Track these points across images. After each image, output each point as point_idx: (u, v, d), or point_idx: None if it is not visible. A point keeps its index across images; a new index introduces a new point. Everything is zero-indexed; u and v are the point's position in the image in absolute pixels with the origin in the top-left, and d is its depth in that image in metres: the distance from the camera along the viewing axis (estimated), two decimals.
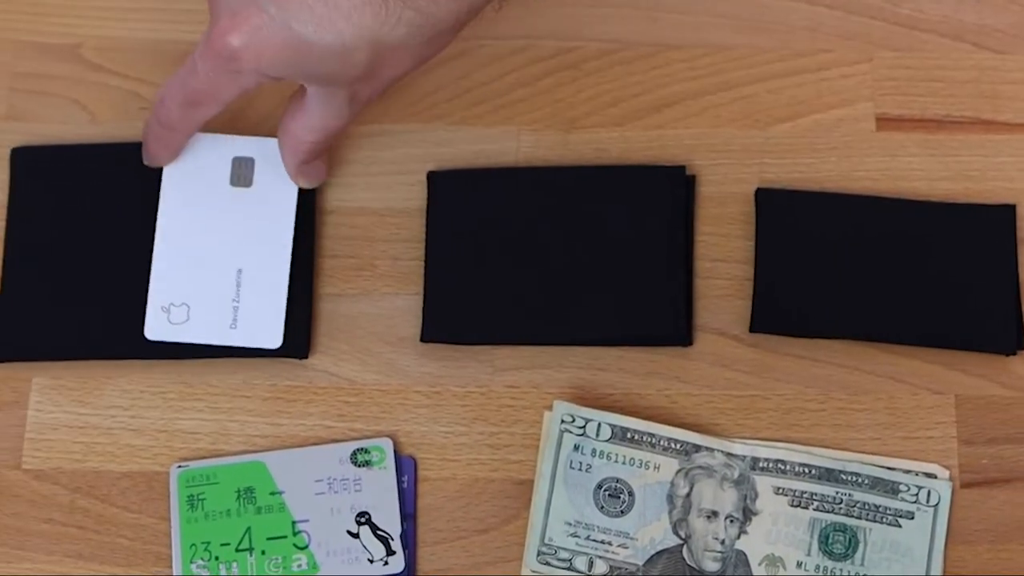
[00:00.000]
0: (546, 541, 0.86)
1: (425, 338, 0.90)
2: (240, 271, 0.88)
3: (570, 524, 0.86)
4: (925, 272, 0.91)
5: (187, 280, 0.88)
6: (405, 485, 0.88)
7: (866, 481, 0.86)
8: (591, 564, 0.85)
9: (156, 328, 0.87)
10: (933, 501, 0.86)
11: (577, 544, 0.86)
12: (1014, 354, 0.90)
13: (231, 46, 0.78)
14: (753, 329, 0.91)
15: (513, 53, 0.97)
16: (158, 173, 0.93)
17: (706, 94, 0.96)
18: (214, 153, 0.90)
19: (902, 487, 0.86)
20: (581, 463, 0.87)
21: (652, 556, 0.85)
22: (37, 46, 0.97)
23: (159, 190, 0.93)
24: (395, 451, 0.88)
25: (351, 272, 0.92)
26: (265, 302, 0.88)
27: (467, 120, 0.96)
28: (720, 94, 0.95)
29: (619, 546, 0.85)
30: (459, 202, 0.93)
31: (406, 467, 0.88)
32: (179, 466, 0.88)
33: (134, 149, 0.92)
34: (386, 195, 0.94)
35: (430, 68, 0.94)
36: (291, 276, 0.93)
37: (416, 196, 0.93)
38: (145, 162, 0.90)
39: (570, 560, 0.85)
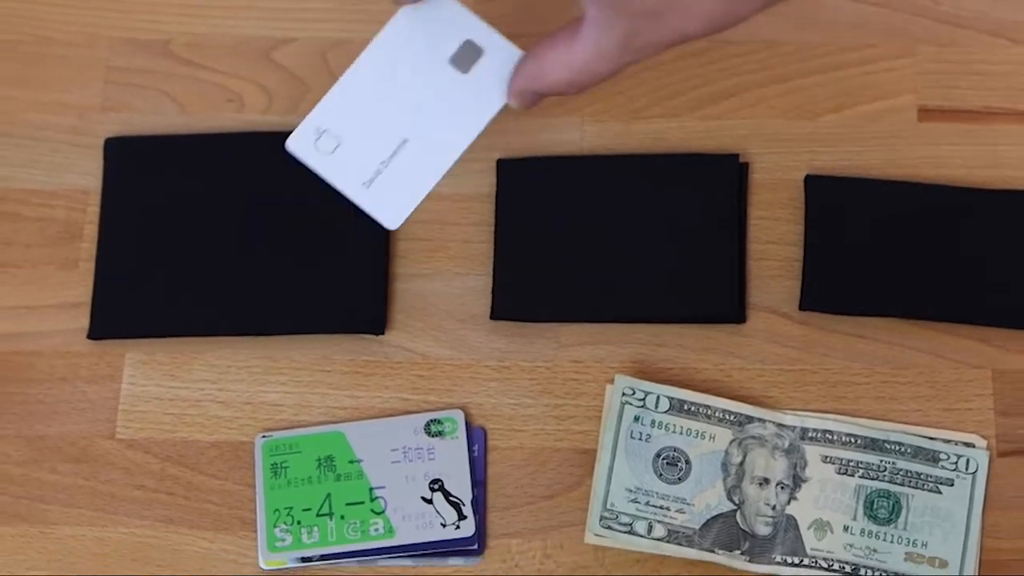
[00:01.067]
0: (608, 507, 0.87)
1: (494, 316, 0.92)
2: (405, 142, 0.81)
3: (631, 491, 0.87)
4: (965, 253, 0.92)
5: (354, 118, 0.81)
6: (475, 454, 0.89)
7: (908, 450, 0.87)
8: (650, 528, 0.86)
9: (300, 145, 0.81)
10: (971, 469, 0.87)
11: (637, 509, 0.87)
12: None
13: None
14: (803, 307, 0.92)
15: None
16: (244, 164, 0.94)
17: (759, 87, 0.97)
18: (451, 25, 0.81)
19: (942, 456, 0.87)
20: (641, 433, 0.88)
21: (708, 520, 0.86)
22: (130, 42, 0.99)
23: (245, 179, 0.94)
24: (466, 422, 0.90)
25: (425, 254, 0.94)
26: (409, 181, 0.81)
27: (534, 111, 0.90)
28: (772, 87, 0.97)
29: (676, 511, 0.86)
30: (526, 188, 0.94)
31: (476, 437, 0.90)
32: (263, 436, 0.90)
33: (219, 139, 0.95)
34: (457, 181, 0.93)
35: None
36: (373, 253, 0.93)
37: (486, 183, 0.95)
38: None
39: (631, 524, 0.86)
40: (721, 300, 0.92)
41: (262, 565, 0.88)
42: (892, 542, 0.87)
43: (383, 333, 0.92)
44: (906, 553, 0.87)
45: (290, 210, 0.96)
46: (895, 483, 0.88)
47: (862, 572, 0.87)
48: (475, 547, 0.88)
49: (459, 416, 0.90)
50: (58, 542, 0.90)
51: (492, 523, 0.89)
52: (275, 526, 0.88)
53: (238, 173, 0.96)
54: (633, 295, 0.93)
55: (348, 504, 0.89)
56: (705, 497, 0.87)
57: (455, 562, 0.88)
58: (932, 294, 0.92)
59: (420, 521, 0.88)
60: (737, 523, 0.86)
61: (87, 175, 0.96)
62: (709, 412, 0.89)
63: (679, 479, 0.88)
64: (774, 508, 0.87)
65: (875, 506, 0.88)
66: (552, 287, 0.93)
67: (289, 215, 0.96)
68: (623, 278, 0.93)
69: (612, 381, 0.90)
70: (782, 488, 0.87)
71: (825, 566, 0.87)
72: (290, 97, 0.99)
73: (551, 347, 0.92)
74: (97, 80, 0.99)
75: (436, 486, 0.89)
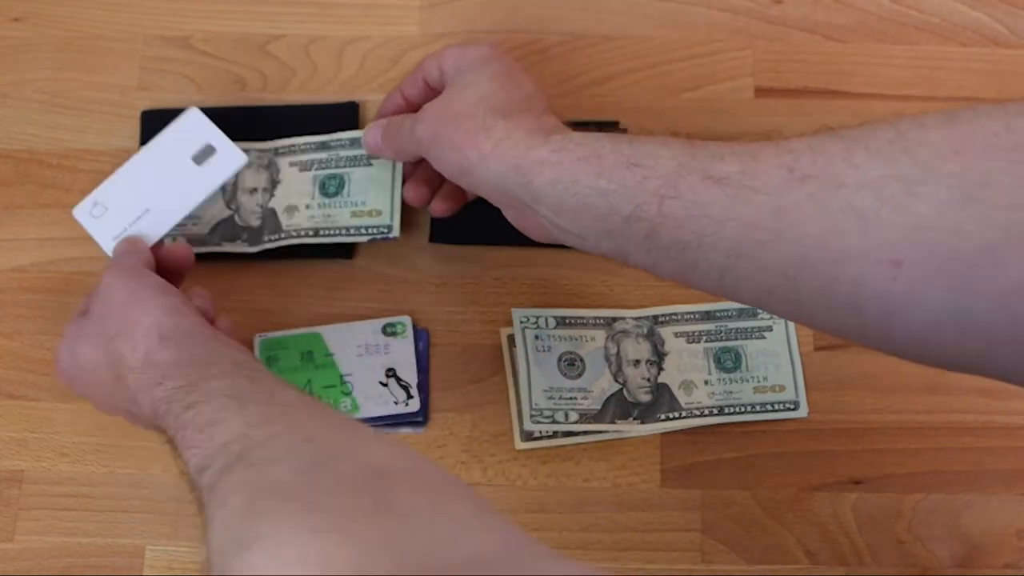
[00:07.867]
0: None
1: (432, 240, 0.95)
2: (147, 211, 0.88)
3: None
4: None
5: (119, 195, 0.88)
6: (421, 349, 0.92)
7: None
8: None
9: (81, 212, 0.89)
10: None
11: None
12: None
13: None
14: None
15: (498, 43, 0.92)
16: (245, 130, 0.93)
17: (635, 72, 1.00)
18: (197, 133, 0.90)
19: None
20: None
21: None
22: (160, 38, 1.02)
23: (247, 140, 0.93)
24: (413, 325, 0.93)
25: None
26: (143, 234, 0.87)
27: None
28: (644, 71, 0.99)
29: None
30: None
31: (421, 336, 0.93)
32: (260, 336, 0.93)
33: (228, 112, 0.96)
34: None
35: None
36: None
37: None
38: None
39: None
40: None
41: None
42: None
43: (351, 258, 0.95)
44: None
45: None
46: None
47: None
48: (421, 419, 0.91)
49: (408, 320, 0.93)
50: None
51: (433, 401, 0.92)
52: None
53: (241, 137, 0.93)
54: None
55: (324, 387, 0.91)
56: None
57: (405, 431, 0.91)
58: None
59: (379, 400, 0.91)
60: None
61: (128, 138, 0.98)
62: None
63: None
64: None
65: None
66: (476, 219, 0.92)
67: None
68: None
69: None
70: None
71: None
72: (281, 80, 1.00)
73: (478, 268, 0.95)
74: (135, 67, 1.01)
75: (391, 374, 0.91)
